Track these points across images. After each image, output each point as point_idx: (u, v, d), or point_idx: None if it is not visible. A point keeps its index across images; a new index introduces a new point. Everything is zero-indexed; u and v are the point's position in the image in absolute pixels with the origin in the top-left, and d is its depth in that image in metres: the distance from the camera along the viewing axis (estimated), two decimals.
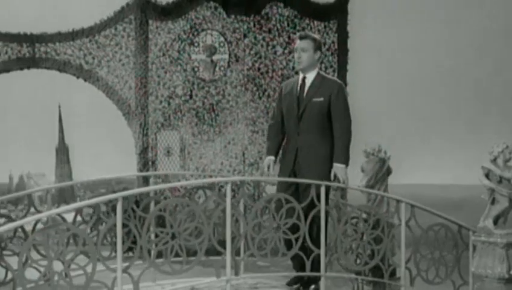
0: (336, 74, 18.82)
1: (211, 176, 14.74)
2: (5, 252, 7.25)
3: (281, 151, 7.76)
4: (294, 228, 7.22)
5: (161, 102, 18.48)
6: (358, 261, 8.00)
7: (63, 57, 18.67)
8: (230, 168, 18.02)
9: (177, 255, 6.74)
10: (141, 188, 7.46)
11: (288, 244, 7.23)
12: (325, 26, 19.01)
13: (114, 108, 18.79)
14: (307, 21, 18.92)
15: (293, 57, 19.02)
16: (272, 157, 7.72)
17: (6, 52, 18.70)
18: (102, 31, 18.66)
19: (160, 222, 6.95)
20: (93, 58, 18.67)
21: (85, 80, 18.79)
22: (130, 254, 6.84)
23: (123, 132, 18.85)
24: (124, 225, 6.56)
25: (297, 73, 7.89)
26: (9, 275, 7.17)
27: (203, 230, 6.69)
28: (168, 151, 18.41)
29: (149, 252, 6.63)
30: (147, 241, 6.56)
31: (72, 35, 18.65)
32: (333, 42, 19.00)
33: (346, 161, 7.46)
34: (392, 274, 8.37)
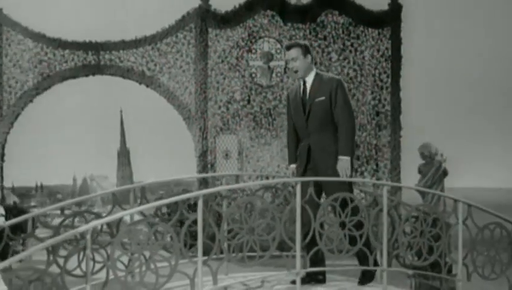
0: (389, 80, 19.33)
1: (267, 178, 15.18)
2: (93, 246, 7.79)
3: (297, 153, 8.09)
4: (358, 226, 7.68)
5: (220, 107, 19.14)
6: (415, 258, 8.42)
7: (127, 64, 19.40)
8: (287, 171, 18.55)
9: (248, 250, 7.23)
10: (220, 186, 8.00)
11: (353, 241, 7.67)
12: (378, 33, 19.49)
13: (174, 113, 19.48)
14: (361, 28, 19.43)
15: (348, 62, 19.73)
16: (294, 165, 8.05)
17: (73, 60, 19.49)
18: (164, 38, 19.36)
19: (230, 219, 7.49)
20: (155, 65, 19.38)
21: (147, 86, 19.49)
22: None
23: (183, 135, 19.54)
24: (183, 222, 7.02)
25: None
26: (96, 267, 7.72)
27: (275, 226, 7.18)
28: (227, 155, 19.04)
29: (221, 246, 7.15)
30: (224, 236, 7.09)
31: (135, 43, 19.39)
32: (387, 49, 19.46)
33: (350, 153, 7.72)
34: (449, 271, 8.77)
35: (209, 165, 18.99)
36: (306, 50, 7.89)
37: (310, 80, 7.82)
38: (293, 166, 8.05)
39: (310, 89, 7.78)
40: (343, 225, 7.63)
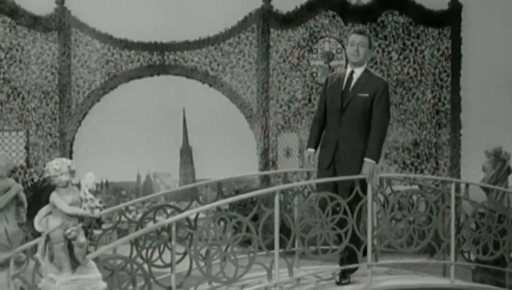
0: (449, 79, 19.52)
1: None
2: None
3: (321, 142, 7.89)
4: (427, 221, 7.94)
5: (281, 106, 19.52)
6: (481, 253, 8.60)
7: (190, 64, 19.87)
8: None
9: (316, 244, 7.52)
10: (296, 182, 8.32)
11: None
12: (439, 33, 19.68)
13: (236, 112, 19.91)
14: (421, 28, 19.65)
15: (408, 61, 19.92)
16: (312, 150, 7.90)
17: (139, 60, 20.02)
18: (226, 39, 19.80)
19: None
20: (218, 65, 19.82)
21: (210, 86, 19.96)
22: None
23: (245, 134, 19.93)
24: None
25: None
26: (176, 258, 8.09)
27: (348, 220, 7.47)
28: (288, 152, 19.41)
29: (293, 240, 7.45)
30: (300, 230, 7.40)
31: (199, 44, 19.85)
32: (447, 48, 19.65)
33: (376, 157, 7.59)
34: None
35: (270, 163, 19.39)
36: (371, 43, 7.81)
37: (358, 72, 7.67)
38: (311, 150, 7.92)
39: (355, 82, 7.62)
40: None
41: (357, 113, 7.56)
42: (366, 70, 7.70)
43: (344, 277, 7.69)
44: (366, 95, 7.55)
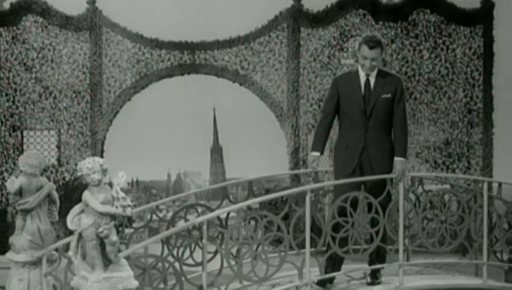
0: (481, 77, 19.41)
1: None
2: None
3: (338, 146, 7.71)
4: (459, 220, 7.90)
5: (312, 105, 19.52)
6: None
7: (221, 63, 19.94)
8: None
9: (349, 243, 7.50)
10: (327, 181, 8.31)
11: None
12: (470, 31, 19.57)
13: (267, 111, 19.95)
14: (453, 26, 19.56)
15: (439, 60, 19.84)
16: (317, 154, 7.70)
17: (169, 59, 20.13)
18: (257, 38, 19.85)
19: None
20: (249, 64, 19.86)
21: (241, 85, 20.02)
22: None
23: (275, 133, 19.97)
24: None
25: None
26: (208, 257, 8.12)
27: (379, 220, 7.45)
28: None
29: (325, 239, 7.44)
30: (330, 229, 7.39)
31: (229, 43, 19.92)
32: (479, 46, 19.54)
33: (405, 154, 7.61)
34: None
35: (301, 162, 19.40)
36: (383, 49, 7.59)
37: (374, 74, 7.55)
38: (316, 154, 7.74)
39: (374, 84, 7.53)
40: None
41: (383, 115, 7.52)
42: (379, 70, 7.58)
43: (375, 277, 7.68)
44: (389, 95, 7.50)
